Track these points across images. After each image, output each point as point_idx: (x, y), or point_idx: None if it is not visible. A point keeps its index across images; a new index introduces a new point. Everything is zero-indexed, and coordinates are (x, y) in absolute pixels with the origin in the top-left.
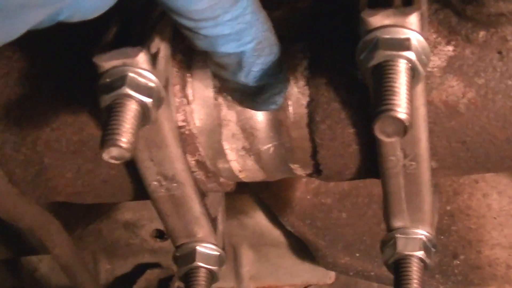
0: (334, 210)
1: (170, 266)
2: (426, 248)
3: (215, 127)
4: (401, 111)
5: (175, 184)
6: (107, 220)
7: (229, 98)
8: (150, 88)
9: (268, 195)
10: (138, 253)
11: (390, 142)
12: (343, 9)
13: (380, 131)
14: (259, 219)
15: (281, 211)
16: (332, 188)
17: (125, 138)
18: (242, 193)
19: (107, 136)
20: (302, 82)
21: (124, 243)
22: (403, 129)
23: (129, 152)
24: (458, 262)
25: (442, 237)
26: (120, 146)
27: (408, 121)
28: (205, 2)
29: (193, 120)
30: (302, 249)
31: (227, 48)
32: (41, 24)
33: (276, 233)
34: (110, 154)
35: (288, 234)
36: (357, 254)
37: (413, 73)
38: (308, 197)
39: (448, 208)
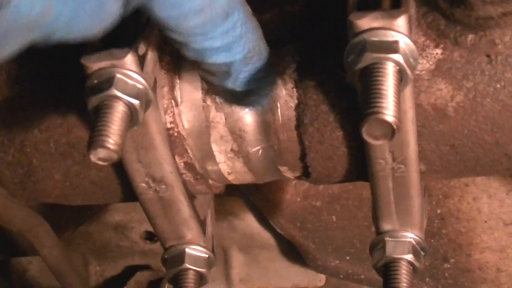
0: (324, 212)
1: (160, 268)
2: (415, 251)
3: (204, 129)
4: (389, 113)
5: (163, 186)
6: (97, 222)
7: (217, 100)
8: (138, 89)
9: (258, 197)
10: (128, 255)
11: (378, 145)
12: (332, 12)
13: (368, 134)
14: (249, 222)
15: (271, 213)
16: (322, 191)
17: (112, 139)
18: (232, 195)
19: (95, 137)
20: (290, 85)
21: (114, 245)
22: (391, 132)
23: (116, 153)
24: (449, 265)
25: (432, 240)
26: (108, 148)
27: (395, 124)
28: (196, 20)
29: (182, 121)
30: (292, 251)
31: (217, 59)
32: (36, 44)
33: (266, 236)
34: (98, 156)
35: (278, 236)
36: (347, 257)
37: (401, 76)
38: (298, 199)
39: (438, 211)
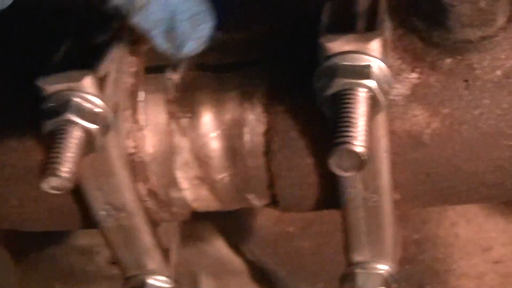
0: (296, 238)
1: None
2: (387, 284)
3: (168, 155)
4: (358, 144)
5: (124, 214)
6: (62, 245)
7: (182, 124)
8: (96, 113)
9: (228, 222)
10: (94, 280)
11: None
12: (305, 33)
13: (335, 166)
14: (219, 247)
15: (242, 239)
16: (295, 216)
17: (65, 167)
18: (202, 220)
19: (47, 165)
20: (259, 109)
21: (80, 269)
22: (360, 163)
23: (69, 182)
24: None
25: (408, 266)
26: (60, 176)
27: (365, 155)
28: None
29: (145, 146)
30: (264, 278)
31: None
32: None
33: (237, 261)
34: (50, 184)
35: (249, 262)
36: (320, 285)
37: (374, 102)
38: (270, 225)
39: (415, 236)
